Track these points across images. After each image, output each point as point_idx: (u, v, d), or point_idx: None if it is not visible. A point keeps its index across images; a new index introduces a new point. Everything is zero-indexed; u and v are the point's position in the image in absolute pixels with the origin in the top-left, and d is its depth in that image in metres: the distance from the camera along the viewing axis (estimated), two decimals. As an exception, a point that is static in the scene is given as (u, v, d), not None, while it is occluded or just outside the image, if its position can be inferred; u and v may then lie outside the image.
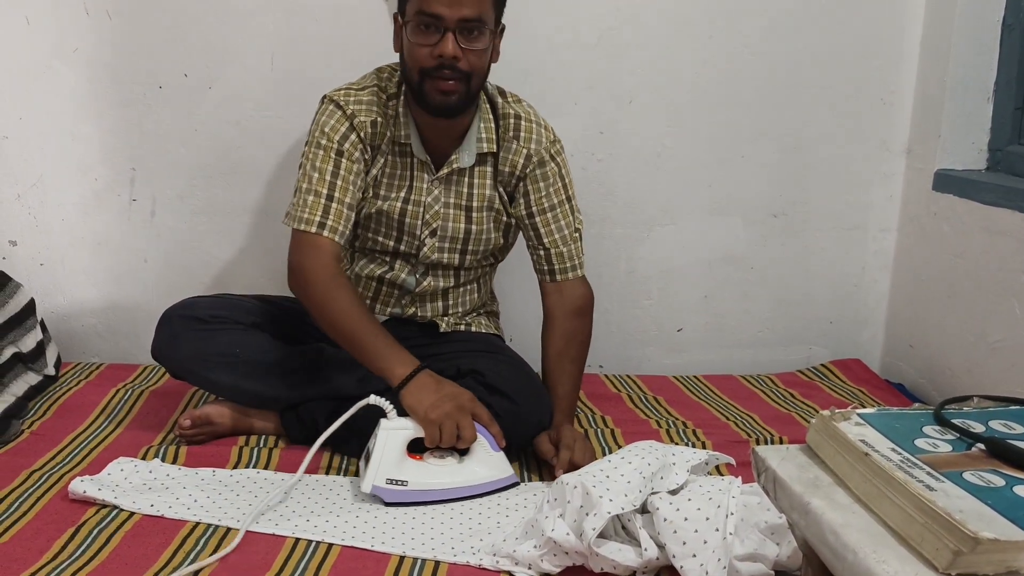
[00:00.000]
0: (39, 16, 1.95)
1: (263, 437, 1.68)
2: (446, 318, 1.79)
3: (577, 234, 1.74)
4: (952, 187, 1.97)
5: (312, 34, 1.96)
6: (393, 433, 1.47)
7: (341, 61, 1.91)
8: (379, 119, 1.63)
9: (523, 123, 1.68)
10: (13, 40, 1.96)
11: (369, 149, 1.63)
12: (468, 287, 1.80)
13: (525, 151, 1.67)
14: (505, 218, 1.72)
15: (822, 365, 2.19)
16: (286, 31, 1.97)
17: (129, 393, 1.87)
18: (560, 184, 1.70)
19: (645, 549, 1.21)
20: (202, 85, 1.99)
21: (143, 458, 1.56)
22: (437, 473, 1.48)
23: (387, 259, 1.74)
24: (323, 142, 1.60)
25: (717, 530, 1.19)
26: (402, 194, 1.67)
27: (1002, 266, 1.81)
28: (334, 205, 1.59)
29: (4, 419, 1.65)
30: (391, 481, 1.44)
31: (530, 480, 1.57)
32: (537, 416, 1.62)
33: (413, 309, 1.77)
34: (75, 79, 1.99)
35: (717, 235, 2.15)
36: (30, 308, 1.93)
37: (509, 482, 1.52)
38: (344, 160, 1.60)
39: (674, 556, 1.18)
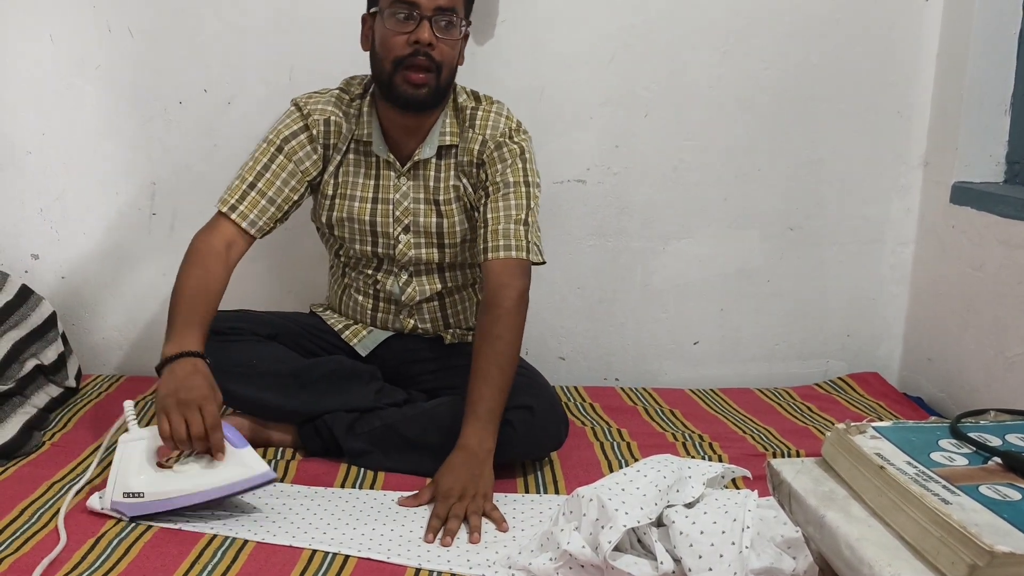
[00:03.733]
0: (62, 34, 1.98)
1: (281, 449, 1.69)
2: (450, 331, 1.80)
3: (523, 218, 1.63)
4: (970, 200, 1.96)
5: (330, 50, 1.98)
6: (130, 445, 1.41)
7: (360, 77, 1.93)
8: (334, 118, 1.69)
9: (480, 112, 1.69)
10: (37, 57, 1.99)
11: (321, 148, 1.69)
12: (461, 294, 1.79)
13: (480, 137, 1.67)
14: (471, 208, 1.71)
15: (839, 379, 2.18)
16: (305, 47, 1.99)
17: (149, 405, 1.89)
18: (520, 165, 1.67)
19: (661, 563, 1.21)
20: (221, 101, 2.02)
21: (162, 470, 1.58)
22: (176, 479, 1.39)
23: (370, 271, 1.75)
24: (270, 136, 1.68)
25: (733, 544, 1.18)
26: (369, 194, 1.70)
27: (1021, 279, 1.80)
28: (252, 194, 1.65)
29: (25, 431, 1.66)
30: (128, 495, 1.38)
31: (546, 493, 1.57)
32: (553, 426, 1.62)
33: (412, 322, 1.78)
34: (97, 95, 2.01)
35: (733, 248, 2.15)
36: (52, 321, 1.95)
37: (262, 480, 1.40)
38: (281, 156, 1.67)
39: (690, 570, 1.18)
